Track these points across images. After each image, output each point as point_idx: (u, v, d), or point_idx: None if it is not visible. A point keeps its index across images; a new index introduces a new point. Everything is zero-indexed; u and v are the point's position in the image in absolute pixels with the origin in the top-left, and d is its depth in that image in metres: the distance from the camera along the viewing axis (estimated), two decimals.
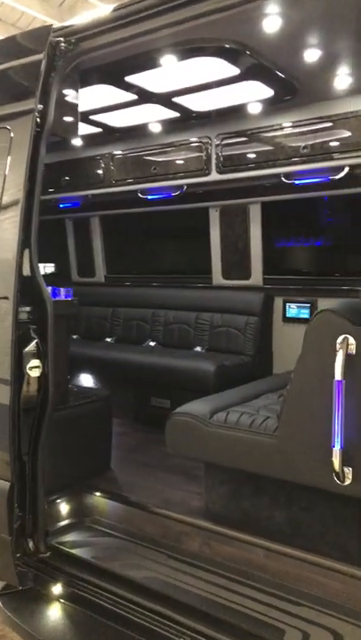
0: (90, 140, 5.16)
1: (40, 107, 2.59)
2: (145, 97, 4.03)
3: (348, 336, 2.21)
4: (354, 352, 2.20)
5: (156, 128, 4.79)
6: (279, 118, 4.21)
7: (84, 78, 3.14)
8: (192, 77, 3.67)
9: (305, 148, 4.12)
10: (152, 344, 5.34)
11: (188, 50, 3.25)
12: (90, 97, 3.93)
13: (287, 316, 4.75)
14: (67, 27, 2.68)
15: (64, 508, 3.06)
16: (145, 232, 5.93)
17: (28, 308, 2.56)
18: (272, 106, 4.10)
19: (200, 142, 4.68)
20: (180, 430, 2.89)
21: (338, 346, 2.21)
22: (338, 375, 2.18)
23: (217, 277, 5.11)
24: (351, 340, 2.20)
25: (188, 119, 4.50)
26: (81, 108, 3.12)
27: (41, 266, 2.66)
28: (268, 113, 4.22)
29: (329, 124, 3.99)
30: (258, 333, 4.76)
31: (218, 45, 3.19)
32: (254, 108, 4.18)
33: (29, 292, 2.56)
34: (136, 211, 5.54)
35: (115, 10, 2.56)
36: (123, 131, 4.95)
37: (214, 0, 2.32)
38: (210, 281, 5.16)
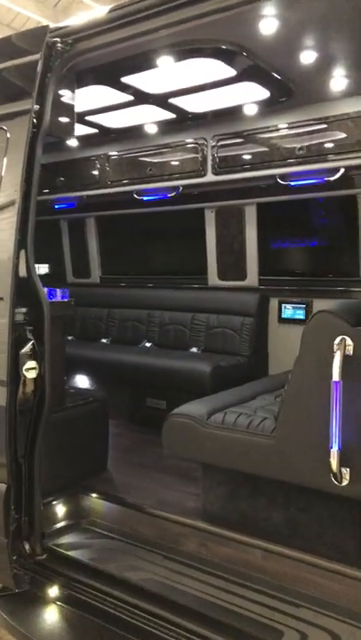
0: (85, 140, 5.15)
1: (37, 107, 2.58)
2: (141, 98, 4.03)
3: (345, 337, 2.22)
4: (352, 353, 2.21)
5: (151, 129, 4.79)
6: (275, 120, 4.22)
7: (80, 79, 3.13)
8: (188, 78, 3.67)
9: (300, 149, 4.13)
10: (148, 345, 5.34)
11: (185, 51, 3.25)
12: (86, 98, 3.92)
13: (283, 316, 4.76)
14: (63, 27, 2.68)
15: (60, 509, 3.05)
16: (140, 233, 5.92)
17: (24, 310, 2.55)
18: (268, 107, 4.11)
19: (196, 143, 4.69)
20: (178, 431, 2.89)
21: (336, 347, 2.21)
22: (336, 376, 2.19)
23: (213, 278, 5.11)
24: (349, 341, 2.21)
25: (184, 120, 4.50)
26: (77, 109, 3.11)
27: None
28: (263, 114, 4.23)
29: (324, 126, 4.00)
30: (254, 334, 4.76)
31: (214, 47, 3.18)
32: (250, 110, 4.19)
33: (26, 294, 2.55)
34: (132, 212, 5.54)
35: (111, 11, 2.56)
36: (118, 131, 4.95)
37: (211, 2, 2.32)
38: (206, 282, 5.17)
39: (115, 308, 5.74)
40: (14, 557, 2.56)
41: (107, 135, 5.04)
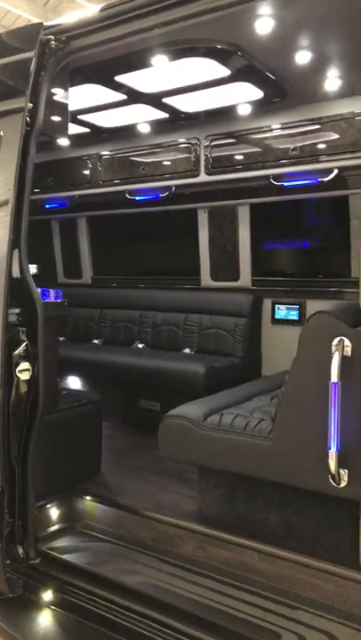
0: (77, 139, 5.11)
1: (30, 105, 2.55)
2: (134, 97, 4.00)
3: (343, 338, 2.21)
4: (350, 354, 2.20)
5: (144, 128, 4.76)
6: (268, 120, 4.22)
7: (73, 77, 3.10)
8: (182, 78, 3.65)
9: (294, 149, 4.12)
10: (140, 346, 5.31)
11: (179, 50, 3.23)
12: (78, 96, 3.88)
13: (276, 317, 4.76)
14: (57, 25, 2.65)
15: (54, 512, 3.02)
16: (133, 233, 5.90)
17: (17, 310, 2.52)
18: (262, 107, 4.11)
19: (189, 143, 4.67)
20: (174, 433, 2.87)
21: (334, 348, 2.21)
22: (334, 377, 2.18)
23: (205, 279, 5.10)
24: (347, 342, 2.21)
25: (178, 120, 4.48)
26: (70, 108, 3.08)
27: None
28: (257, 115, 4.22)
29: (318, 127, 4.01)
30: (247, 335, 4.75)
31: (209, 46, 3.17)
32: (244, 110, 4.18)
33: (19, 294, 2.52)
34: (124, 212, 5.51)
35: (102, 10, 2.53)
36: (111, 131, 4.92)
37: (205, 1, 2.30)
38: (198, 282, 5.15)
39: (107, 309, 5.71)
40: (8, 561, 2.53)
41: (99, 134, 5.00)
